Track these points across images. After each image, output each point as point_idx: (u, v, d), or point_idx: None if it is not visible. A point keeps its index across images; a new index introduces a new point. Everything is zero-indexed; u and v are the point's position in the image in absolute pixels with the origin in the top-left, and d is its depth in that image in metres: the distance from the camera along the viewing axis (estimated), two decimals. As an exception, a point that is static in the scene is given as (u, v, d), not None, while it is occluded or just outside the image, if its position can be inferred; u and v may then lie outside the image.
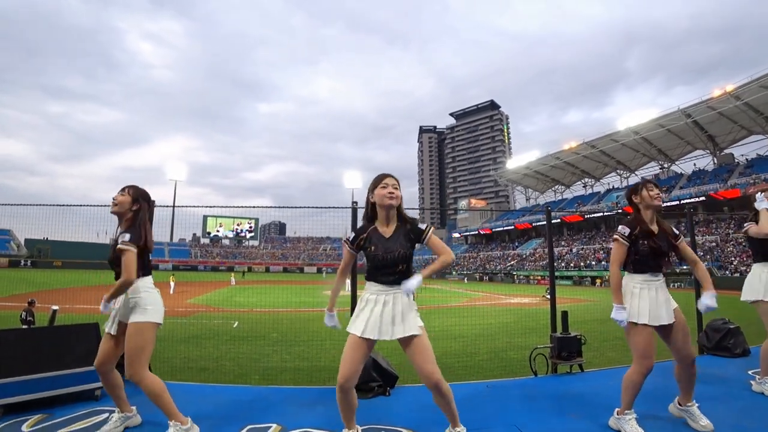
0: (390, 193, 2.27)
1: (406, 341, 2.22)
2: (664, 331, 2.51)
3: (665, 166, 47.56)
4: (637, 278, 2.55)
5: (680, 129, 40.17)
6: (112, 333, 2.47)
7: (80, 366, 3.02)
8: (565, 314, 4.28)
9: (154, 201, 2.84)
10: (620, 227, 2.58)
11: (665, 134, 41.36)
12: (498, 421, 2.72)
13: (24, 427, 2.55)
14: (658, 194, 2.60)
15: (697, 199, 37.62)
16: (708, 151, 43.27)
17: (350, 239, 2.34)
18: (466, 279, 45.23)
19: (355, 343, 2.23)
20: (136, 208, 2.57)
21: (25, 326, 6.71)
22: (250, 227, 79.12)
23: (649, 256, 2.50)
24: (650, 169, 49.56)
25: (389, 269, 2.25)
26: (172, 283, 22.41)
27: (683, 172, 46.37)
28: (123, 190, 2.60)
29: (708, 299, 2.44)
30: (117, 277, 2.43)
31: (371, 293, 2.30)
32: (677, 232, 2.61)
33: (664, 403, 2.84)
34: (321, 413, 2.87)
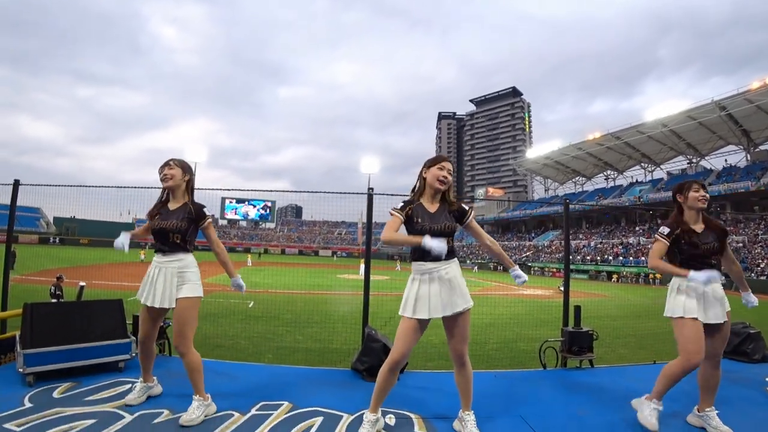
0: (444, 176, 2.35)
1: (453, 315, 2.29)
2: (709, 330, 2.48)
3: (694, 160, 45.88)
4: (682, 279, 2.52)
5: (713, 122, 38.51)
6: (158, 306, 2.51)
7: (106, 339, 3.18)
8: (578, 308, 4.26)
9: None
10: (661, 227, 2.60)
11: (696, 127, 39.75)
12: (504, 411, 2.76)
13: (55, 394, 2.71)
14: (704, 196, 2.57)
15: (725, 197, 36.37)
16: (741, 147, 41.49)
17: (398, 207, 2.37)
18: (476, 268, 44.83)
19: (414, 326, 2.29)
20: (187, 179, 2.70)
21: (54, 300, 7.03)
22: (265, 207, 79.87)
23: (692, 255, 2.50)
24: (677, 164, 47.95)
25: None
26: None
27: (713, 167, 44.69)
28: (169, 164, 2.67)
29: (752, 297, 2.62)
30: (161, 248, 2.58)
31: (420, 273, 2.33)
32: (726, 229, 2.61)
33: (685, 405, 2.82)
34: (331, 393, 2.97)
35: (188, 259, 2.62)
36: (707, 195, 2.59)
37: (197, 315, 2.59)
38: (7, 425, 2.24)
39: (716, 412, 2.53)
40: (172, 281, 2.53)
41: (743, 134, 39.63)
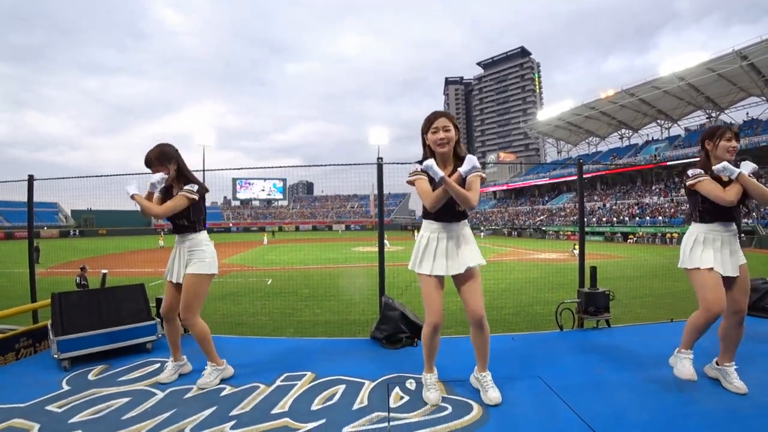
0: (441, 139, 2.25)
1: (463, 274, 2.32)
2: (727, 283, 2.44)
3: (713, 115, 44.06)
4: (703, 228, 2.48)
5: (733, 73, 36.60)
6: (174, 281, 2.71)
7: (133, 322, 3.30)
8: (594, 269, 4.24)
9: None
10: (692, 169, 2.48)
11: (716, 80, 37.87)
12: (523, 373, 2.81)
13: (90, 376, 2.85)
14: (735, 147, 2.43)
15: (747, 151, 35.10)
16: (764, 98, 39.60)
17: (417, 169, 2.30)
18: (482, 234, 44.23)
19: (433, 282, 2.33)
20: (175, 167, 2.72)
21: (80, 289, 7.29)
22: (271, 189, 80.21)
23: (715, 205, 2.40)
24: (696, 119, 46.15)
25: (450, 207, 2.29)
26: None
27: (734, 121, 42.94)
28: (152, 164, 2.69)
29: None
30: (174, 231, 2.71)
31: (431, 231, 2.35)
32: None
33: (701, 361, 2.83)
34: (350, 362, 3.05)
35: (198, 238, 2.73)
36: (738, 146, 2.45)
37: (205, 291, 2.72)
38: (48, 407, 2.37)
39: (735, 367, 2.50)
40: (182, 258, 2.70)
41: (766, 85, 37.73)
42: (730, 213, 2.44)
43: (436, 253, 2.32)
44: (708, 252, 2.42)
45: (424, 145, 2.36)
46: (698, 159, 2.59)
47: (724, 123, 43.42)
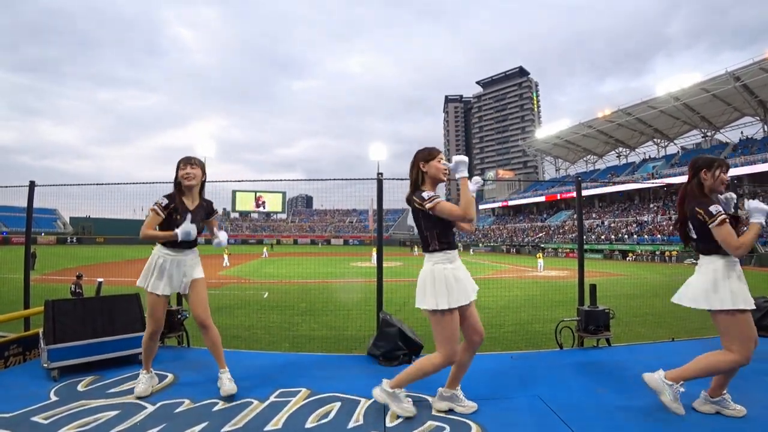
0: (446, 170, 2.37)
1: (469, 302, 2.37)
2: None
3: (709, 134, 44.62)
4: (733, 260, 2.30)
5: (727, 94, 37.25)
6: (182, 293, 2.76)
7: (125, 332, 3.25)
8: (593, 287, 4.21)
9: None
10: (713, 206, 2.26)
11: (710, 100, 38.50)
12: (522, 392, 2.76)
13: (79, 387, 2.78)
14: (728, 180, 2.39)
15: (743, 170, 35.38)
16: (758, 118, 40.19)
17: (429, 194, 2.32)
18: (472, 250, 43.77)
19: (457, 316, 2.32)
20: (204, 178, 2.82)
21: (74, 297, 7.20)
22: (264, 202, 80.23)
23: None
24: (691, 138, 46.65)
25: (451, 231, 2.38)
26: (225, 257, 23.73)
27: (729, 140, 43.42)
28: (191, 162, 2.73)
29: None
30: (192, 243, 2.76)
31: (449, 261, 2.34)
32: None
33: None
34: (348, 378, 2.99)
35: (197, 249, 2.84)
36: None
37: None
38: (34, 419, 2.30)
39: (728, 394, 2.40)
40: (181, 269, 2.72)
41: (759, 105, 38.34)
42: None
43: (458, 283, 2.30)
44: (744, 287, 2.26)
45: (419, 171, 2.38)
46: (686, 183, 2.46)
47: (720, 142, 43.99)
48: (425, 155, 2.39)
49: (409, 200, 2.39)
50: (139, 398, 2.60)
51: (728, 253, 2.27)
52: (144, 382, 2.71)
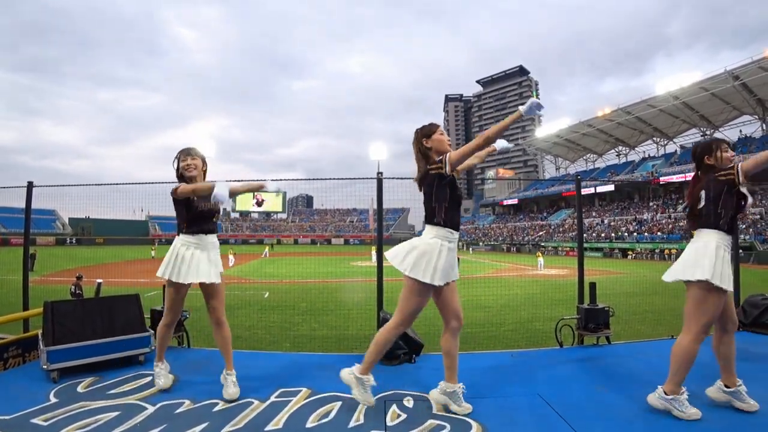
0: (449, 139, 2.43)
1: (450, 285, 2.41)
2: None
3: (707, 132, 44.58)
4: (726, 239, 2.30)
5: (726, 93, 37.24)
6: (208, 282, 2.66)
7: (125, 333, 3.24)
8: (593, 285, 4.20)
9: None
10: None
11: (709, 99, 38.49)
12: (522, 390, 2.76)
13: (79, 389, 2.77)
14: (734, 155, 2.38)
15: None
16: (756, 117, 40.18)
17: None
18: (471, 249, 43.69)
19: (429, 290, 2.34)
20: (205, 169, 2.80)
21: (73, 298, 7.19)
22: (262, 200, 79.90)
23: (736, 213, 2.31)
24: (691, 137, 46.63)
25: (459, 213, 2.41)
26: (231, 256, 23.71)
27: (728, 138, 43.44)
28: (191, 153, 2.71)
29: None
30: (207, 228, 2.70)
31: (449, 240, 2.33)
32: None
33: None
34: (348, 379, 2.98)
35: (216, 242, 2.81)
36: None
37: None
38: (34, 420, 2.30)
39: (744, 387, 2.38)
40: (212, 259, 2.70)
41: (758, 103, 38.35)
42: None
43: (446, 264, 2.29)
44: (727, 268, 2.23)
45: (423, 148, 2.40)
46: (695, 173, 2.48)
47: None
48: (426, 131, 2.43)
49: (422, 178, 2.39)
50: (161, 391, 2.70)
51: (723, 231, 2.29)
52: (164, 375, 2.76)
